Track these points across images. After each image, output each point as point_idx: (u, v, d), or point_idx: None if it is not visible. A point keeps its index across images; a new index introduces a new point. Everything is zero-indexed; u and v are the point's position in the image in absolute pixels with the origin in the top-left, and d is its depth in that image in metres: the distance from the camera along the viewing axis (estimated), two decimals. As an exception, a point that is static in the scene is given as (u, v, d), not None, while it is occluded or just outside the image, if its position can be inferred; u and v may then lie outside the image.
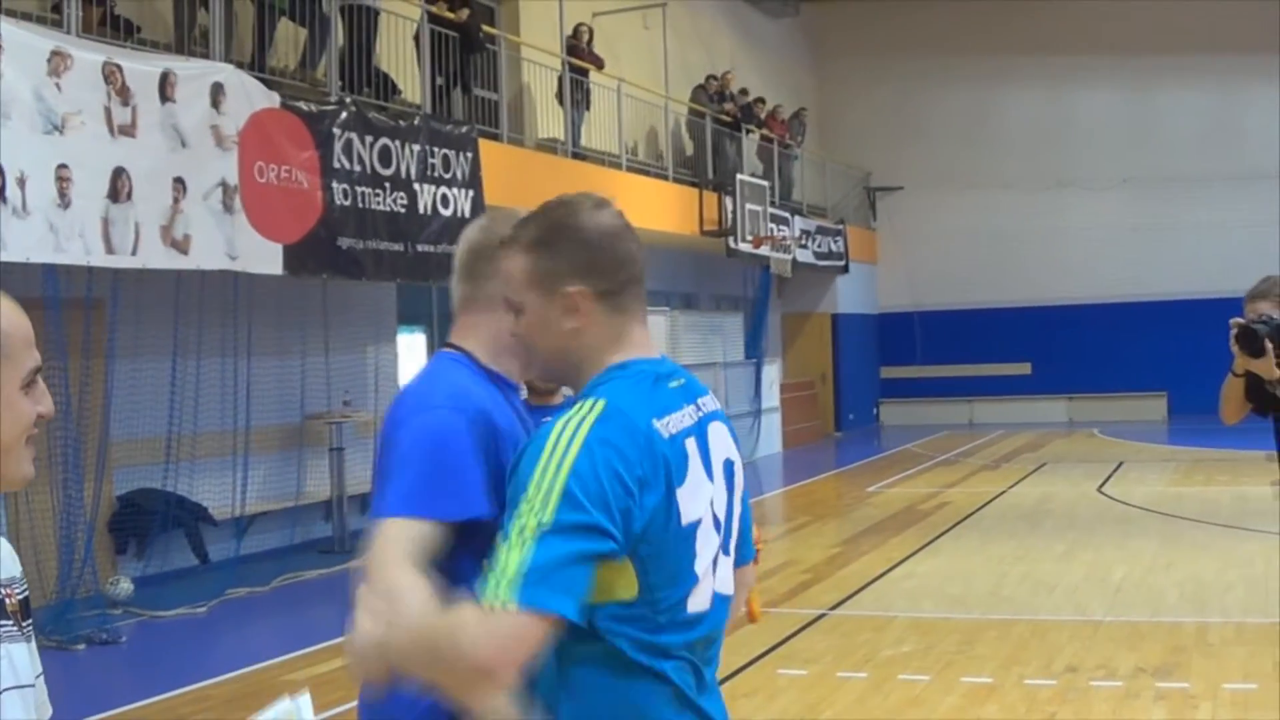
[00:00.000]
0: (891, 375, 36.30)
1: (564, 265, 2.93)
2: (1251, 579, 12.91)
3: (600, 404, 2.80)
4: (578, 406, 2.82)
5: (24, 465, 2.43)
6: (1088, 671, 9.74)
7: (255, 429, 15.10)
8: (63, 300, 12.31)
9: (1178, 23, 33.71)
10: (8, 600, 2.47)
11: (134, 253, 12.30)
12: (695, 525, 2.86)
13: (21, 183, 11.17)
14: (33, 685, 2.49)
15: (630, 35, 25.48)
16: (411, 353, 20.35)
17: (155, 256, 12.56)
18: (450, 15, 18.07)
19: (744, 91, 29.13)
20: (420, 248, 16.12)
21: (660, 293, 26.92)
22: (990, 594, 12.96)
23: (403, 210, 15.96)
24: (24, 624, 2.49)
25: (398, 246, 15.74)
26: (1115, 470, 23.30)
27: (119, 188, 12.15)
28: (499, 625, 2.53)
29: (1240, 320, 6.35)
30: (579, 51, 22.14)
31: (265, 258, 13.89)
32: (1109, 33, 34.36)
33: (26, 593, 2.54)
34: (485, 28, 19.41)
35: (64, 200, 11.59)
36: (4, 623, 2.44)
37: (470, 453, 3.24)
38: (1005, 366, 35.07)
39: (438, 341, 21.66)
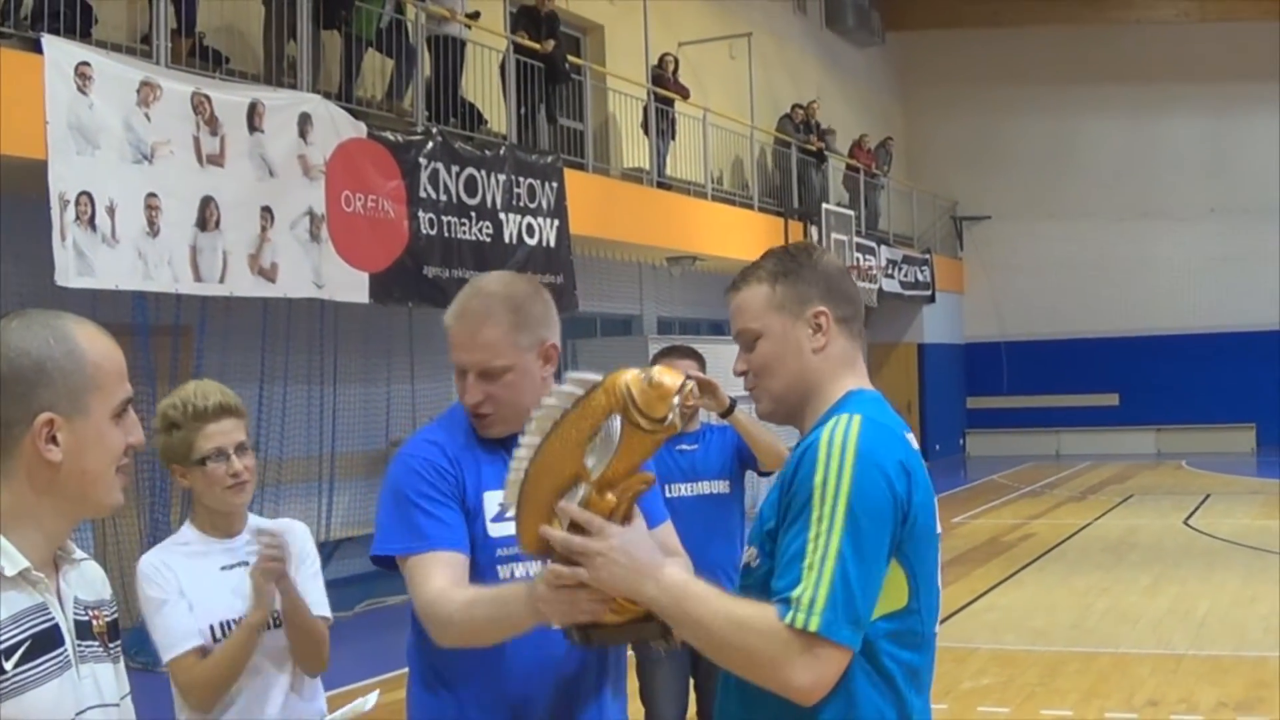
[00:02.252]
0: (978, 405, 36.06)
1: (808, 290, 3.11)
2: None
3: (856, 418, 2.93)
4: (833, 421, 2.94)
5: (114, 493, 2.53)
6: (1169, 705, 9.63)
7: (340, 455, 15.19)
8: (151, 327, 12.44)
9: (1264, 49, 33.30)
10: (95, 622, 2.56)
11: (221, 280, 12.41)
12: (937, 537, 3.05)
13: (111, 211, 11.29)
14: (117, 705, 2.58)
15: (716, 65, 25.49)
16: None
17: (243, 284, 12.67)
18: (535, 46, 18.13)
19: (829, 130, 29.05)
20: (505, 277, 16.14)
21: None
22: (1073, 626, 12.84)
23: (488, 240, 16.03)
24: (110, 645, 2.59)
25: (483, 275, 15.79)
26: (1202, 502, 23.04)
27: (207, 216, 12.26)
28: (817, 658, 2.73)
29: None
30: (664, 81, 22.17)
31: (351, 286, 13.98)
32: (1194, 60, 34.07)
33: (116, 615, 2.63)
34: (571, 58, 19.47)
35: (153, 229, 11.71)
36: (91, 643, 2.53)
37: (428, 488, 3.72)
38: (1092, 397, 34.76)
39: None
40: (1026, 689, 10.35)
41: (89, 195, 11.09)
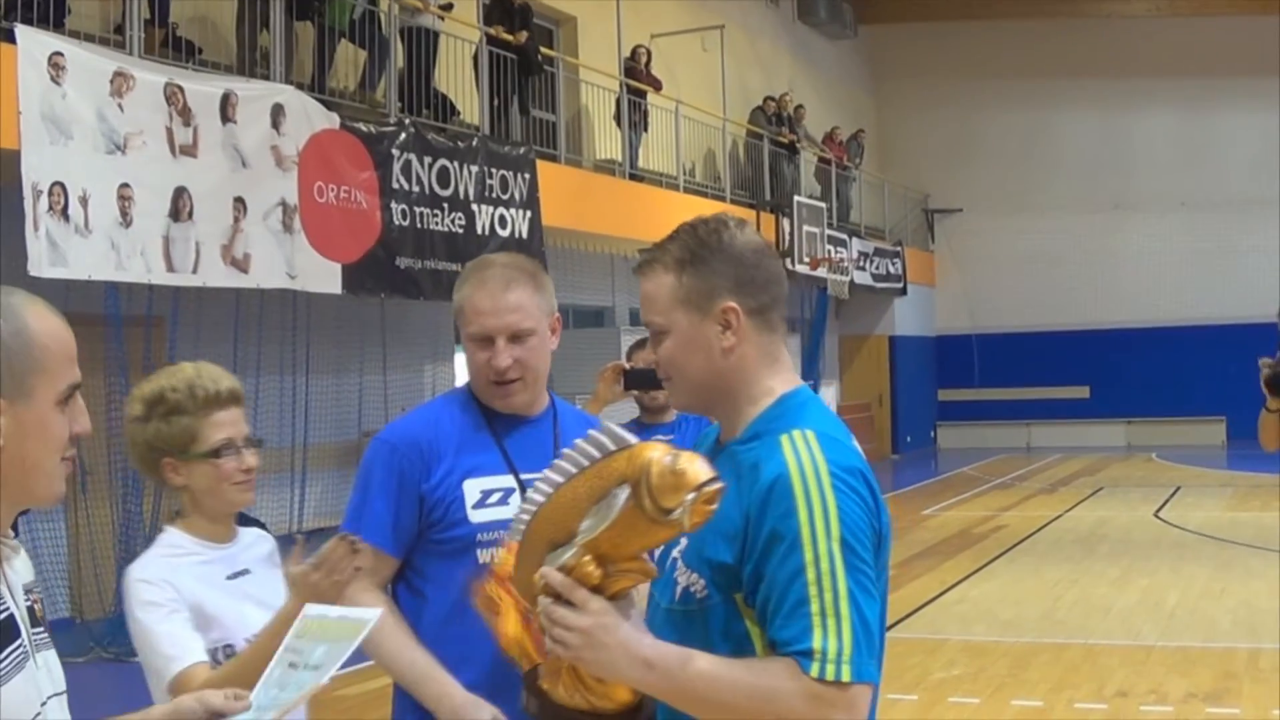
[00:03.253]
0: (949, 398, 36.15)
1: (717, 281, 2.86)
2: None
3: (812, 437, 2.76)
4: (790, 445, 2.74)
5: (56, 483, 2.38)
6: (1139, 696, 9.71)
7: (313, 446, 15.21)
8: (124, 318, 12.44)
9: (1235, 44, 33.35)
10: (35, 607, 2.46)
11: (195, 271, 12.42)
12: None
13: (84, 201, 11.30)
14: (64, 691, 2.48)
15: (688, 57, 25.50)
16: (465, 372, 20.44)
17: (216, 275, 12.69)
18: (508, 37, 18.15)
19: (799, 107, 29.18)
20: (477, 268, 16.18)
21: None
22: (1043, 618, 12.91)
23: (461, 231, 16.06)
24: (43, 632, 2.47)
25: (455, 267, 15.75)
26: (1172, 495, 23.16)
27: (180, 207, 12.27)
28: (853, 704, 2.60)
29: (1270, 361, 6.45)
30: (637, 73, 22.23)
31: (324, 277, 14.01)
32: (1165, 55, 34.12)
33: (40, 600, 2.51)
34: (543, 49, 19.50)
35: (126, 219, 11.72)
36: (39, 631, 2.44)
37: (380, 487, 3.86)
38: (1063, 390, 34.87)
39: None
40: (997, 680, 10.40)
41: (62, 185, 11.09)
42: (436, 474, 3.84)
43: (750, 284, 2.88)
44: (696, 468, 2.49)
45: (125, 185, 11.74)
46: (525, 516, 2.65)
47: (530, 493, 2.66)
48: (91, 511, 12.60)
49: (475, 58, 17.78)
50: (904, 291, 32.56)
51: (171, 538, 3.73)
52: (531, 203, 17.41)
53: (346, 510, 3.97)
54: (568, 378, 20.50)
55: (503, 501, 3.83)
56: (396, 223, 15.03)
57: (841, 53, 35.26)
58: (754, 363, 2.90)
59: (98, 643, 12.10)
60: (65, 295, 12.12)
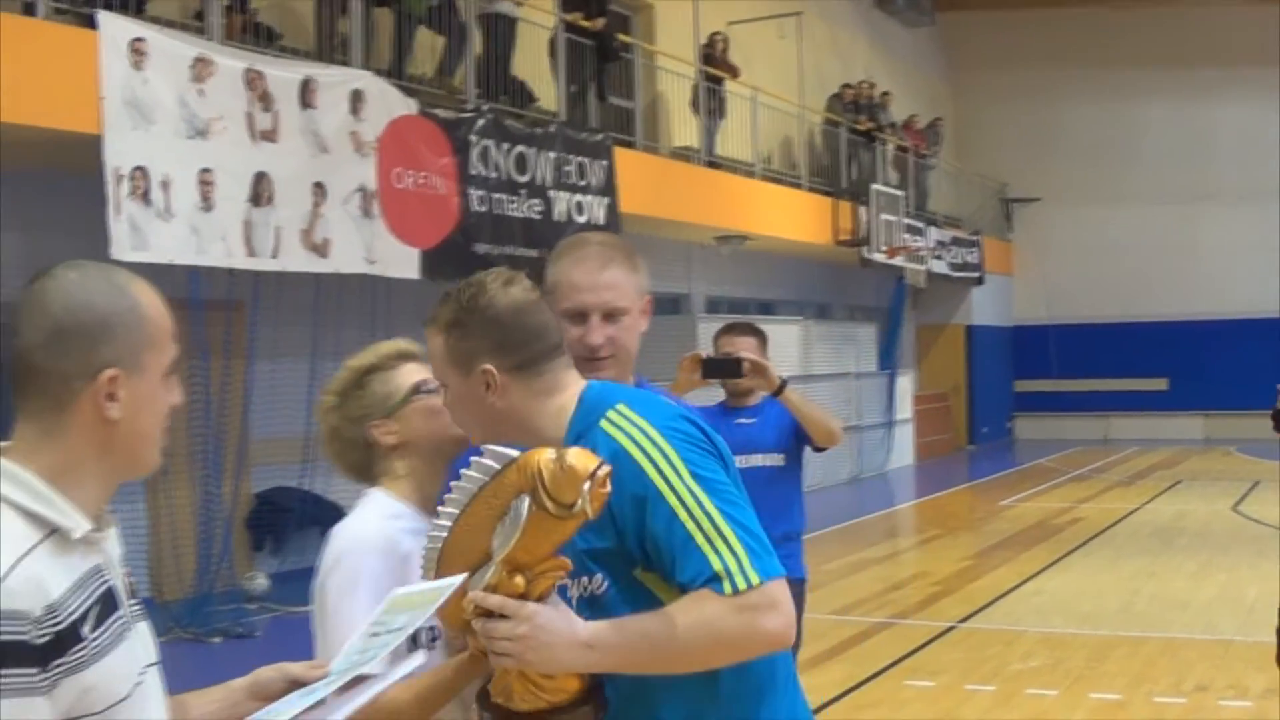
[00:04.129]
0: (1026, 389, 35.92)
1: (476, 345, 3.03)
2: None
3: (621, 407, 2.96)
4: (606, 426, 2.92)
5: (157, 454, 2.46)
6: (1217, 691, 9.61)
7: (390, 430, 15.26)
8: (205, 302, 12.52)
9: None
10: (129, 580, 2.49)
11: (274, 255, 12.49)
12: None
13: (165, 186, 11.38)
14: (159, 662, 2.52)
15: (765, 44, 25.43)
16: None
17: (295, 259, 12.75)
18: (586, 24, 18.16)
19: (885, 93, 29.10)
20: (555, 254, 16.19)
21: (794, 303, 26.88)
22: (1121, 611, 12.83)
23: (538, 217, 16.07)
24: (137, 605, 2.51)
25: (533, 253, 15.76)
26: (1251, 489, 22.91)
27: (260, 192, 12.34)
28: (773, 601, 2.78)
29: None
30: (714, 60, 22.20)
31: (403, 262, 14.05)
32: (1249, 44, 33.65)
33: (128, 573, 2.54)
34: (621, 36, 19.48)
35: (207, 204, 11.80)
36: (134, 603, 2.47)
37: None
38: (1141, 382, 34.57)
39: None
40: (1075, 672, 10.33)
41: (144, 170, 11.17)
42: None
43: (506, 345, 3.04)
44: (583, 459, 2.62)
45: (206, 170, 11.81)
46: (430, 555, 2.77)
47: (430, 531, 2.77)
48: (172, 493, 12.70)
49: (552, 44, 17.79)
50: (981, 281, 32.38)
51: (380, 501, 3.60)
52: (609, 189, 17.40)
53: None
54: (643, 364, 20.43)
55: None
56: (474, 208, 15.04)
57: (919, 40, 35.08)
58: (530, 404, 3.07)
59: (176, 623, 12.21)
60: (152, 280, 12.25)
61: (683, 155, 21.28)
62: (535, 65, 17.70)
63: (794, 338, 23.75)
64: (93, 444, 2.35)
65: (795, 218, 23.44)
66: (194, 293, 12.42)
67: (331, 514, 14.72)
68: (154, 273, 9.76)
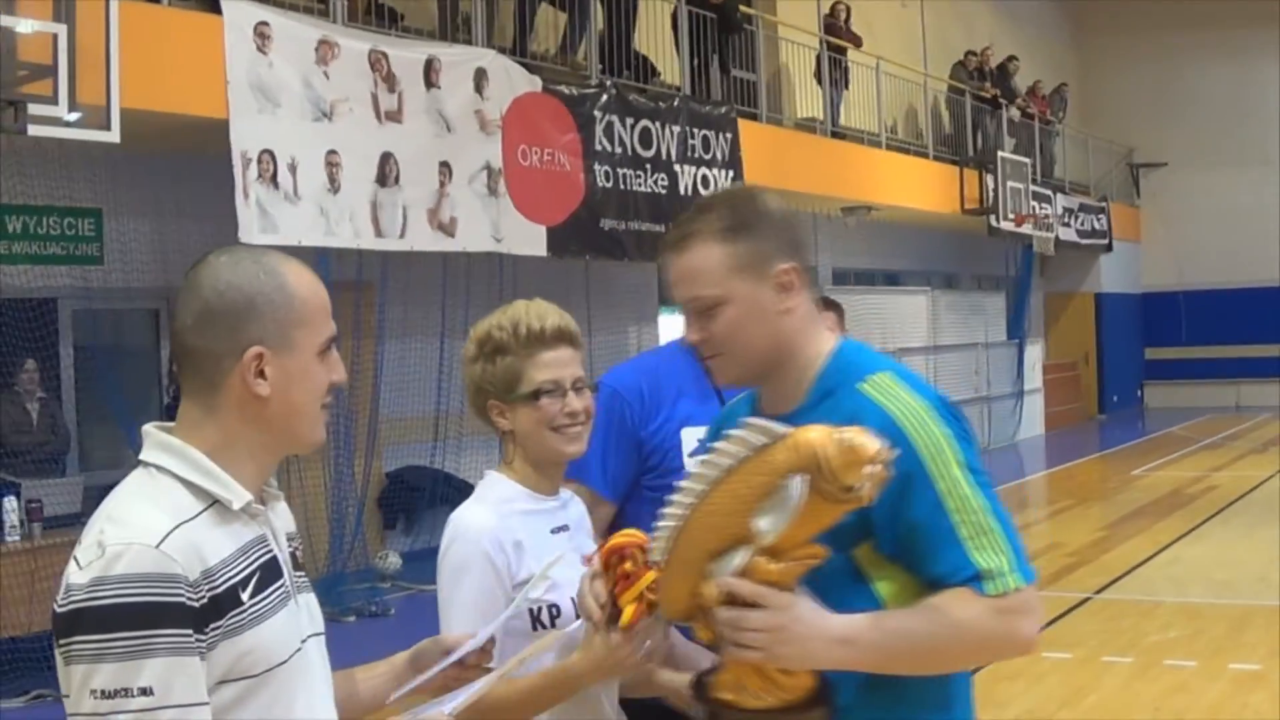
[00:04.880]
0: (1156, 356, 35.42)
1: (768, 245, 2.81)
2: None
3: (889, 377, 2.78)
4: (876, 390, 2.75)
5: (318, 429, 2.55)
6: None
7: (522, 407, 15.25)
8: (334, 282, 12.49)
9: None
10: (296, 553, 2.60)
11: (402, 235, 12.50)
12: None
13: (293, 168, 11.38)
14: (323, 632, 2.63)
15: (888, 13, 25.20)
16: (670, 334, 20.40)
17: (423, 239, 12.74)
18: (709, -3, 18.05)
19: (1013, 59, 28.72)
20: (681, 229, 16.11)
21: (920, 272, 26.65)
22: (1259, 580, 12.54)
23: (664, 191, 15.97)
24: (303, 576, 2.62)
25: (659, 228, 15.67)
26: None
27: (386, 172, 12.33)
28: (1028, 606, 2.66)
29: None
30: (837, 30, 22.04)
31: (529, 239, 13.99)
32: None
33: (299, 547, 2.65)
34: (742, 7, 19.33)
35: (334, 185, 11.79)
36: (299, 574, 2.58)
37: (599, 430, 3.66)
38: (1273, 348, 33.93)
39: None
40: (1214, 643, 10.17)
41: (270, 153, 11.18)
42: (656, 421, 3.89)
43: (796, 244, 2.88)
44: (866, 439, 2.41)
45: (333, 152, 11.80)
46: (666, 534, 2.56)
47: (667, 509, 2.54)
48: (304, 473, 12.71)
49: (674, 17, 17.65)
50: (1109, 248, 31.97)
51: (498, 486, 3.47)
52: (734, 162, 17.27)
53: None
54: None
55: None
56: (600, 184, 15.00)
57: (1042, 6, 34.63)
58: (807, 323, 2.87)
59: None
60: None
61: (807, 126, 21.16)
62: (657, 39, 17.58)
63: (921, 308, 23.58)
64: (247, 420, 2.45)
65: (921, 187, 23.26)
66: (323, 274, 12.23)
67: (462, 492, 14.72)
68: (285, 254, 9.78)
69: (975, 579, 2.62)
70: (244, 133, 10.95)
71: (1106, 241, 31.71)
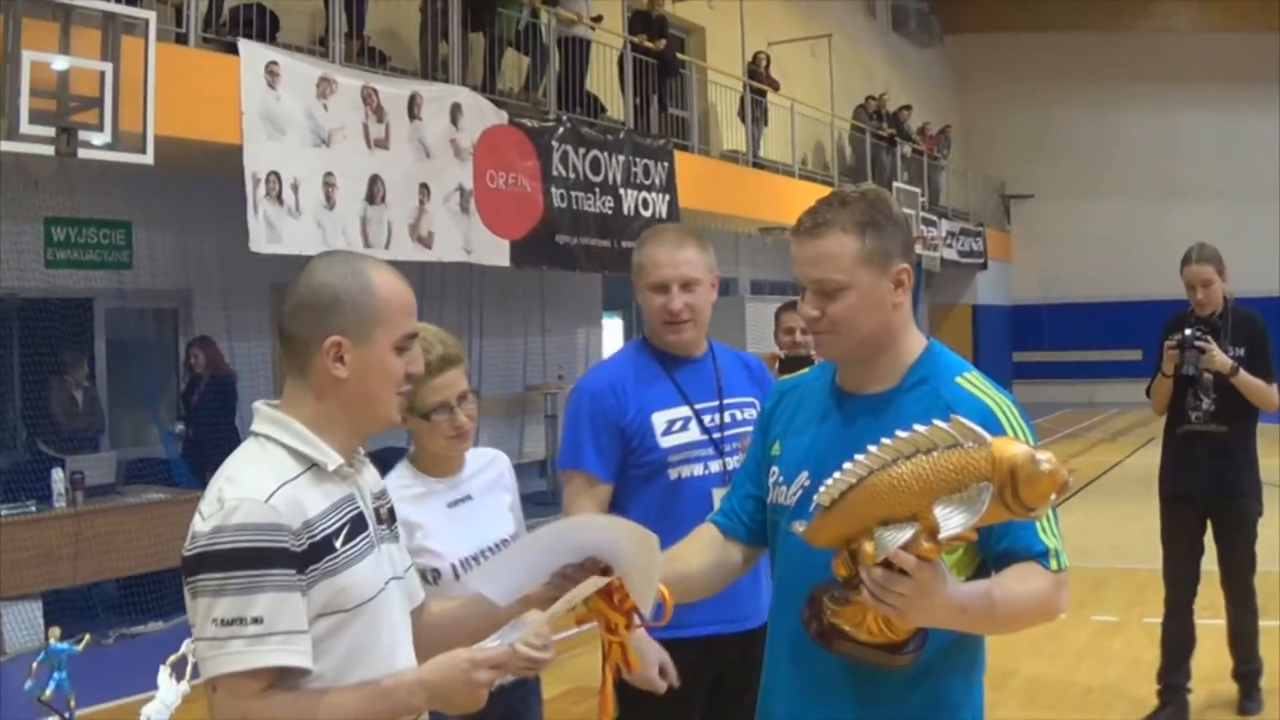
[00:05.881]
0: (1023, 359, 35.67)
1: (893, 245, 2.78)
2: None
3: (977, 376, 2.86)
4: (971, 385, 2.81)
5: (392, 411, 2.60)
6: (1197, 612, 9.43)
7: (484, 398, 15.25)
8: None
9: (1268, 55, 33.09)
10: (380, 510, 2.66)
11: (387, 247, 12.43)
12: None
13: (295, 188, 11.37)
14: (403, 576, 2.71)
15: (801, 61, 25.26)
16: (612, 335, 20.47)
17: (405, 250, 12.68)
18: (650, 44, 18.09)
19: (906, 108, 28.95)
20: (624, 244, 16.13)
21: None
22: (1114, 548, 12.82)
23: (610, 211, 16.01)
24: (393, 527, 2.71)
25: (605, 243, 15.79)
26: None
27: (375, 192, 12.31)
28: (1067, 582, 2.73)
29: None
30: (758, 75, 22.11)
31: (495, 251, 13.99)
32: (1210, 63, 33.66)
33: (391, 503, 2.73)
34: (679, 55, 19.43)
35: (330, 203, 11.77)
36: (382, 527, 2.65)
37: (587, 425, 4.04)
38: (1121, 352, 34.23)
39: (636, 326, 21.77)
40: (1079, 598, 10.22)
41: (277, 174, 11.15)
42: (630, 410, 4.02)
43: (911, 248, 2.86)
44: (1060, 469, 2.38)
45: (329, 174, 11.77)
46: (848, 479, 2.48)
47: (853, 465, 2.48)
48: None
49: (620, 62, 17.70)
50: (985, 266, 32.21)
51: (396, 473, 3.80)
52: (670, 187, 17.32)
53: (561, 450, 4.17)
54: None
55: (684, 428, 4.04)
56: (556, 205, 15.00)
57: (929, 58, 34.89)
58: (907, 317, 2.86)
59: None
60: (281, 269, 12.26)
61: (731, 157, 21.20)
62: (606, 81, 17.62)
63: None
64: (332, 398, 2.54)
65: (827, 212, 23.32)
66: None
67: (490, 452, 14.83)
68: (286, 263, 9.86)
69: (1043, 555, 2.66)
70: (255, 156, 10.94)
71: (982, 261, 31.94)
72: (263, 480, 2.44)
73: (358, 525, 2.54)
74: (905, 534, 2.42)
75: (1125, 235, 34.34)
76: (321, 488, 2.50)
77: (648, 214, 16.64)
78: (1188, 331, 6.95)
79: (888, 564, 2.45)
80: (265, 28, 11.90)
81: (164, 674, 3.89)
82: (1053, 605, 2.69)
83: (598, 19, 17.16)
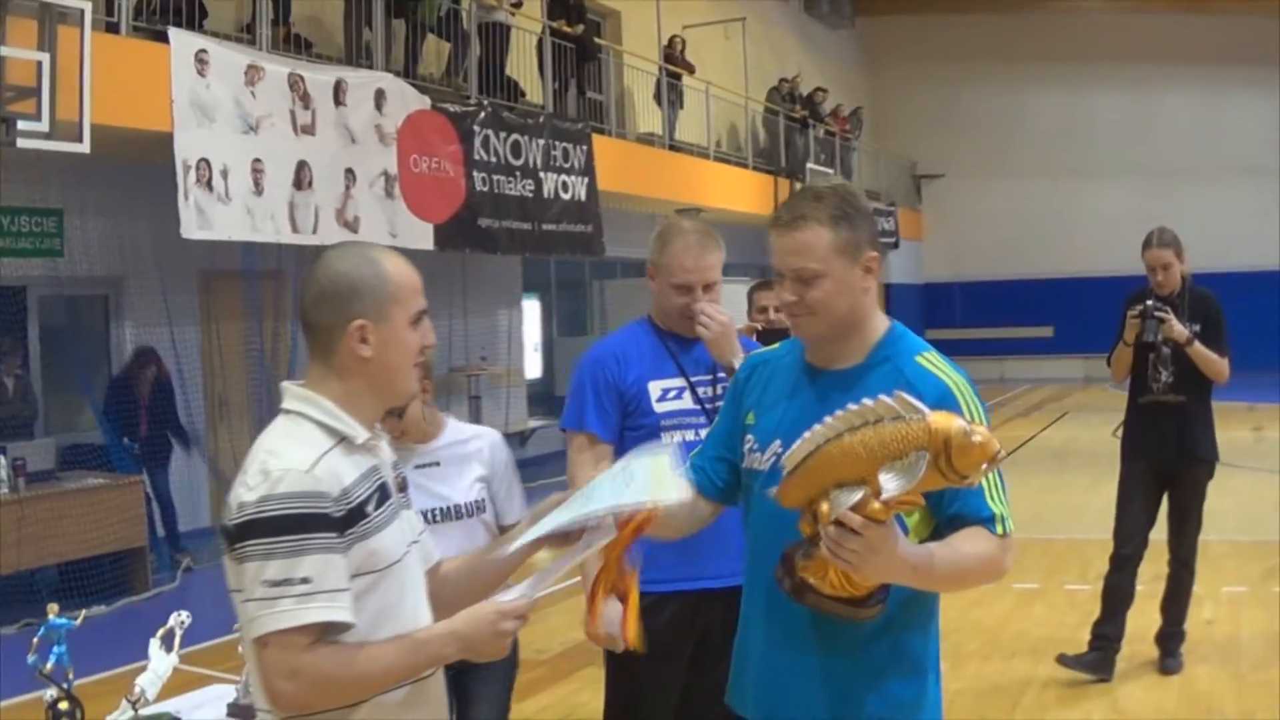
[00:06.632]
0: (934, 337, 35.65)
1: (862, 236, 3.04)
2: (1242, 505, 13.22)
3: (934, 355, 3.11)
4: (930, 364, 3.06)
5: (410, 383, 2.84)
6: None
7: (409, 379, 15.45)
8: (258, 272, 12.68)
9: (1176, 36, 33.79)
10: (397, 479, 2.88)
11: (314, 231, 12.58)
12: None
13: (225, 174, 11.49)
14: (419, 540, 2.92)
15: (715, 45, 25.50)
16: (531, 317, 20.65)
17: (331, 235, 12.76)
18: (569, 29, 18.30)
19: (820, 89, 29.28)
20: (545, 227, 16.40)
21: (741, 264, 26.92)
22: (1032, 518, 13.14)
23: (530, 195, 16.21)
24: (405, 495, 2.92)
25: (526, 225, 16.01)
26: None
27: (302, 178, 12.44)
28: (1013, 545, 2.97)
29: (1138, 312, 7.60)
30: (674, 59, 22.32)
31: (419, 235, 14.13)
32: (1115, 44, 34.42)
33: (404, 474, 2.96)
34: (596, 39, 19.59)
35: (258, 189, 11.90)
36: (401, 495, 2.88)
37: (590, 389, 4.46)
38: (1031, 330, 34.97)
39: (555, 307, 21.99)
40: (1000, 567, 10.64)
41: (207, 161, 11.28)
42: (630, 377, 4.43)
43: (877, 238, 3.12)
44: (990, 441, 2.61)
45: (258, 160, 11.91)
46: (810, 446, 2.72)
47: (820, 424, 2.72)
48: (234, 437, 12.86)
49: (539, 47, 17.91)
50: (896, 245, 32.51)
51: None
52: (588, 170, 17.55)
53: (565, 412, 4.56)
54: (614, 319, 20.74)
55: (678, 397, 4.45)
56: (478, 189, 15.17)
57: (842, 40, 35.24)
58: (873, 301, 3.14)
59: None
60: (211, 254, 12.42)
61: (647, 140, 21.41)
62: (525, 66, 17.80)
63: (741, 294, 23.81)
64: (357, 375, 2.75)
65: (742, 193, 23.61)
66: (248, 264, 12.59)
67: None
68: (216, 248, 10.05)
69: (990, 520, 2.90)
70: (185, 144, 11.05)
71: (895, 240, 32.26)
72: (303, 452, 2.63)
73: (384, 493, 2.75)
74: (855, 496, 2.66)
75: (1035, 214, 35.02)
76: (351, 459, 2.70)
77: (567, 197, 16.88)
78: (1149, 303, 7.58)
79: (841, 523, 2.68)
80: (194, 15, 11.99)
81: (155, 645, 4.14)
82: (998, 566, 2.93)
83: (517, 4, 17.34)
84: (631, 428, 4.42)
